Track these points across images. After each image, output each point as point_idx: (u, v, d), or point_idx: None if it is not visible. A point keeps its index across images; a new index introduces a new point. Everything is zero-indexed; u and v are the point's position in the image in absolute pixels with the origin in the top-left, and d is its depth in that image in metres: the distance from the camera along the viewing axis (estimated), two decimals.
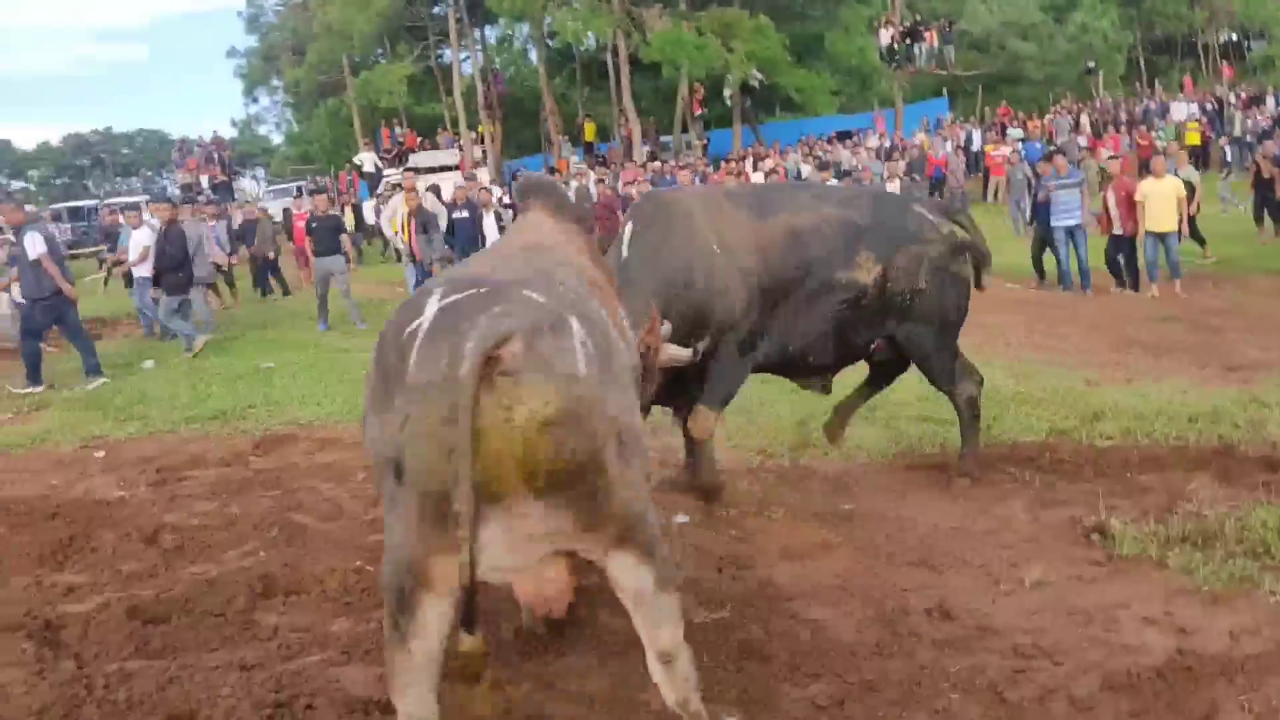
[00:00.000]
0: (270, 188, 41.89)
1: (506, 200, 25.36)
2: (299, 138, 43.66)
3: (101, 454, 8.12)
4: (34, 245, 10.97)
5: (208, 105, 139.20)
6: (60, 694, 3.92)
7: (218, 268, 17.07)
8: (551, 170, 27.42)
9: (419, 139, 34.83)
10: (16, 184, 75.07)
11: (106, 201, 36.42)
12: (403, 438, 2.56)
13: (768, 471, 6.76)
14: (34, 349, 11.13)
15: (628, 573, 2.81)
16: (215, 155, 37.41)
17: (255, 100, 45.46)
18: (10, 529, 6.16)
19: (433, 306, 2.67)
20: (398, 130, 34.94)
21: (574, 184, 19.52)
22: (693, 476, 5.96)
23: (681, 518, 5.72)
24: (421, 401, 2.53)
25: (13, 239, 11.89)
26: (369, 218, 25.70)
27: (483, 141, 32.27)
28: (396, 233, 15.82)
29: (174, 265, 12.85)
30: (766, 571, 4.95)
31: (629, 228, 5.48)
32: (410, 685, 2.68)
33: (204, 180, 35.85)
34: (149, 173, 79.88)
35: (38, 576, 5.35)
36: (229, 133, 46.43)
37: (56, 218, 29.91)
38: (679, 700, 2.91)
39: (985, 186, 25.67)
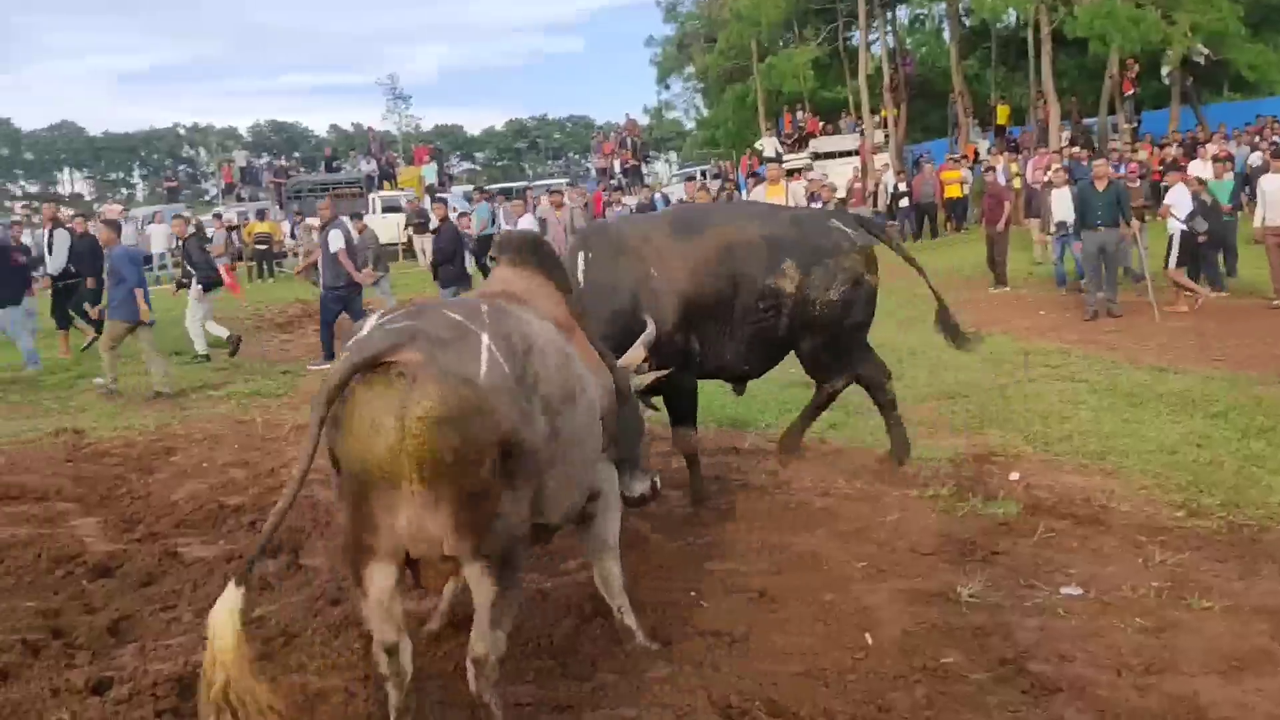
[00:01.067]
0: (677, 171, 43.30)
1: (903, 187, 24.30)
2: (707, 123, 44.62)
3: None
4: (335, 241, 12.46)
5: (630, 92, 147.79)
6: None
7: None
8: (957, 159, 25.75)
9: (820, 124, 34.30)
10: (465, 164, 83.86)
11: (533, 183, 39.34)
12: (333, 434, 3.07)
13: (1192, 535, 5.42)
14: (329, 334, 12.62)
15: (476, 585, 3.26)
16: (627, 140, 39.17)
17: (668, 87, 47.11)
18: None
19: (369, 323, 3.25)
20: (800, 115, 34.58)
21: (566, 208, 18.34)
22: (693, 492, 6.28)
23: (1072, 589, 4.71)
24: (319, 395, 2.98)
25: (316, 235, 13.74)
26: None
27: (885, 125, 31.07)
28: None
29: (445, 259, 14.27)
30: (1187, 685, 3.83)
31: (580, 257, 5.77)
32: (373, 622, 3.30)
33: (616, 165, 37.71)
34: (575, 155, 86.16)
35: None
36: (644, 119, 48.52)
37: (489, 198, 32.48)
38: (477, 693, 3.35)
39: None
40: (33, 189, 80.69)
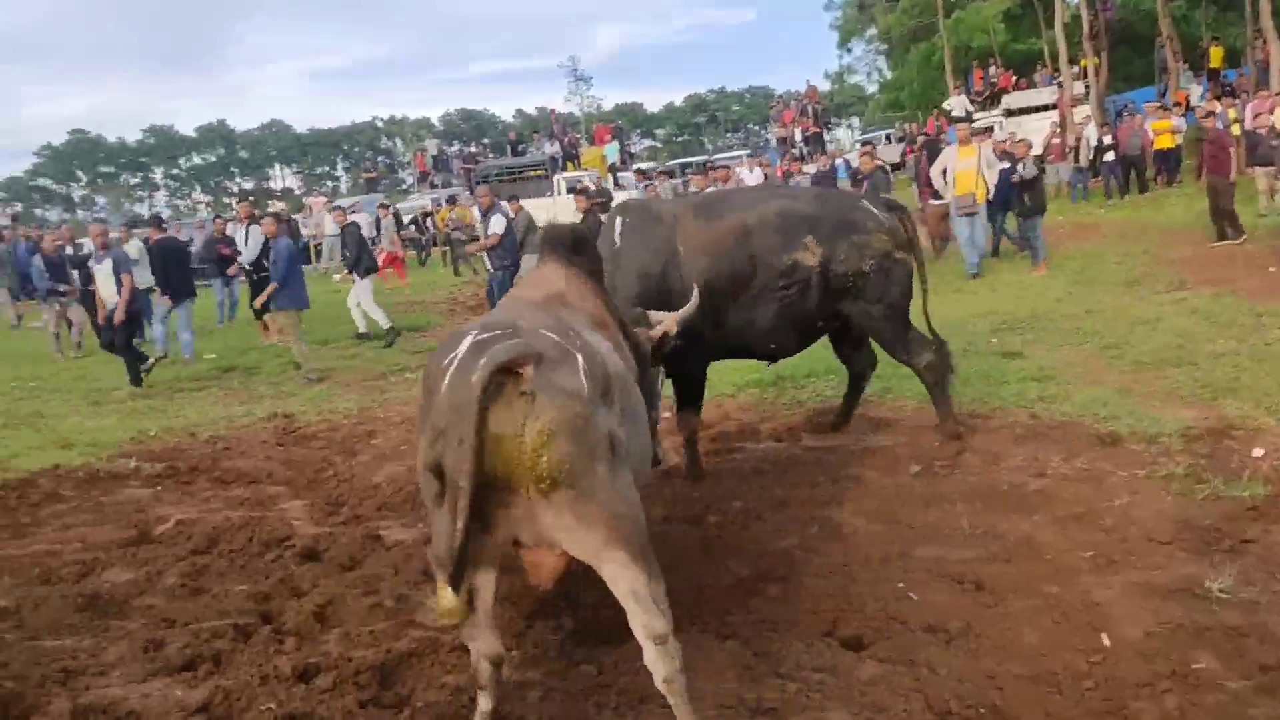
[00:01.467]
0: (860, 136, 42.09)
1: (1108, 140, 22.69)
2: (890, 85, 43.18)
3: (667, 414, 8.21)
4: (496, 225, 13.89)
5: (808, 59, 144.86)
6: None
7: None
8: (1164, 108, 23.85)
9: (1013, 78, 32.55)
10: (646, 141, 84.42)
11: (713, 157, 39.05)
12: (439, 448, 3.19)
13: None
14: None
15: (620, 573, 3.27)
16: (808, 108, 38.32)
17: (849, 50, 45.84)
18: None
19: (466, 342, 3.30)
20: (991, 70, 32.91)
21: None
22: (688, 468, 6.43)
23: None
24: (451, 418, 3.12)
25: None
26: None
27: (1084, 76, 29.15)
28: (947, 185, 14.62)
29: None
30: None
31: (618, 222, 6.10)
32: (475, 634, 3.49)
33: (797, 133, 36.97)
34: (754, 127, 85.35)
35: None
36: (824, 85, 47.43)
37: (669, 174, 32.51)
38: (667, 677, 3.30)
39: None
40: (247, 185, 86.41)
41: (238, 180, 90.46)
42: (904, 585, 4.47)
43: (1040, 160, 19.90)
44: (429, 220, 27.66)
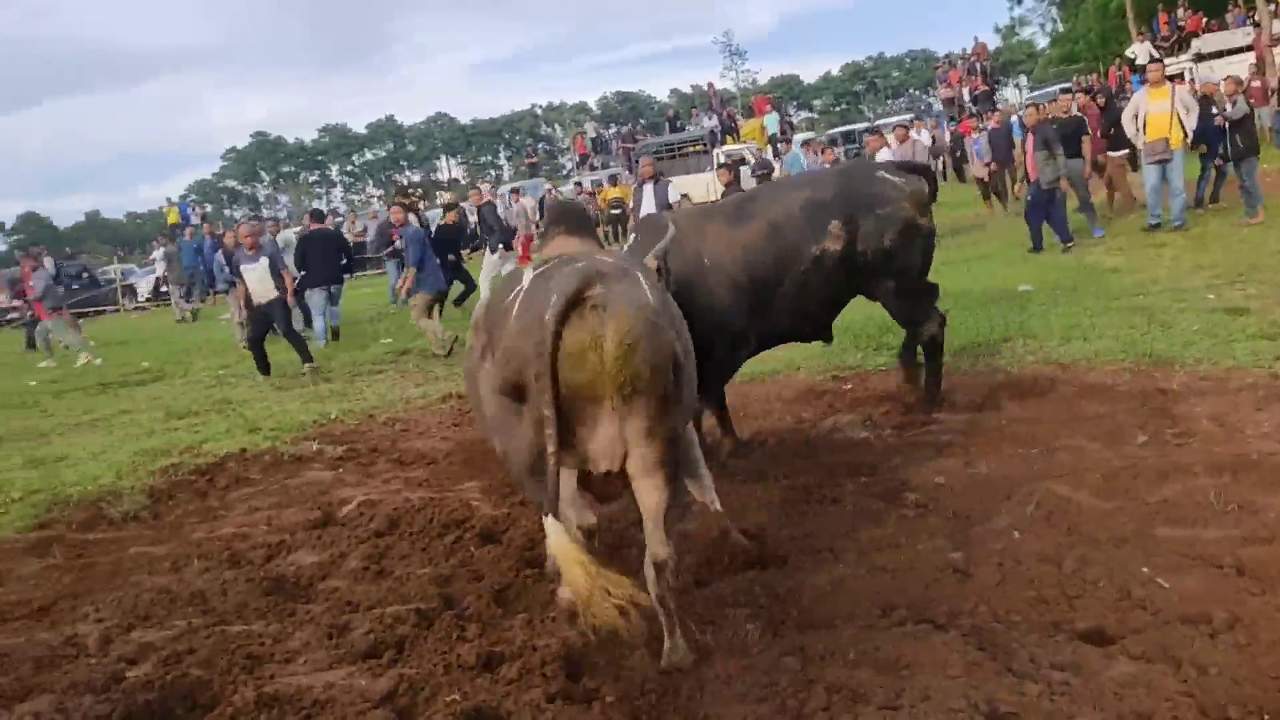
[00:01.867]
0: (1031, 94, 40.00)
1: None
2: (1064, 38, 40.81)
3: (849, 386, 7.75)
4: (665, 196, 13.48)
5: (969, 21, 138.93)
6: None
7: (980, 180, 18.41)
8: None
9: (1203, 20, 30.15)
10: (803, 113, 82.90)
11: (877, 123, 37.78)
12: (514, 365, 3.38)
13: None
14: None
15: (650, 494, 3.49)
16: (977, 65, 36.57)
17: (1019, 3, 43.50)
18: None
19: (529, 275, 3.58)
20: (1178, 13, 30.59)
21: None
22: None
23: None
24: (527, 338, 3.31)
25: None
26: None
27: None
28: (1138, 131, 13.44)
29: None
30: None
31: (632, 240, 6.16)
32: (570, 513, 3.56)
33: (965, 93, 35.36)
34: (915, 92, 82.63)
35: None
36: (993, 41, 45.26)
37: (833, 143, 31.63)
38: (659, 595, 3.57)
39: None
40: (415, 177, 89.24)
41: (406, 173, 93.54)
42: (1149, 570, 3.91)
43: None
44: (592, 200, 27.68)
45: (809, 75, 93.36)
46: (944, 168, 25.57)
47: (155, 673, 4.12)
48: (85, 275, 33.59)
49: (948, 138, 26.73)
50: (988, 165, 18.67)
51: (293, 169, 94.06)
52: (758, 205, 6.18)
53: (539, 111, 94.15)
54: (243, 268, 12.15)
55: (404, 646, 4.15)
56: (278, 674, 4.04)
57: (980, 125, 21.60)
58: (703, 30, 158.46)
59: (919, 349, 6.77)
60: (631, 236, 6.30)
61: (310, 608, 4.78)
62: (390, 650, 4.12)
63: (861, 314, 10.41)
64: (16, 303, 19.69)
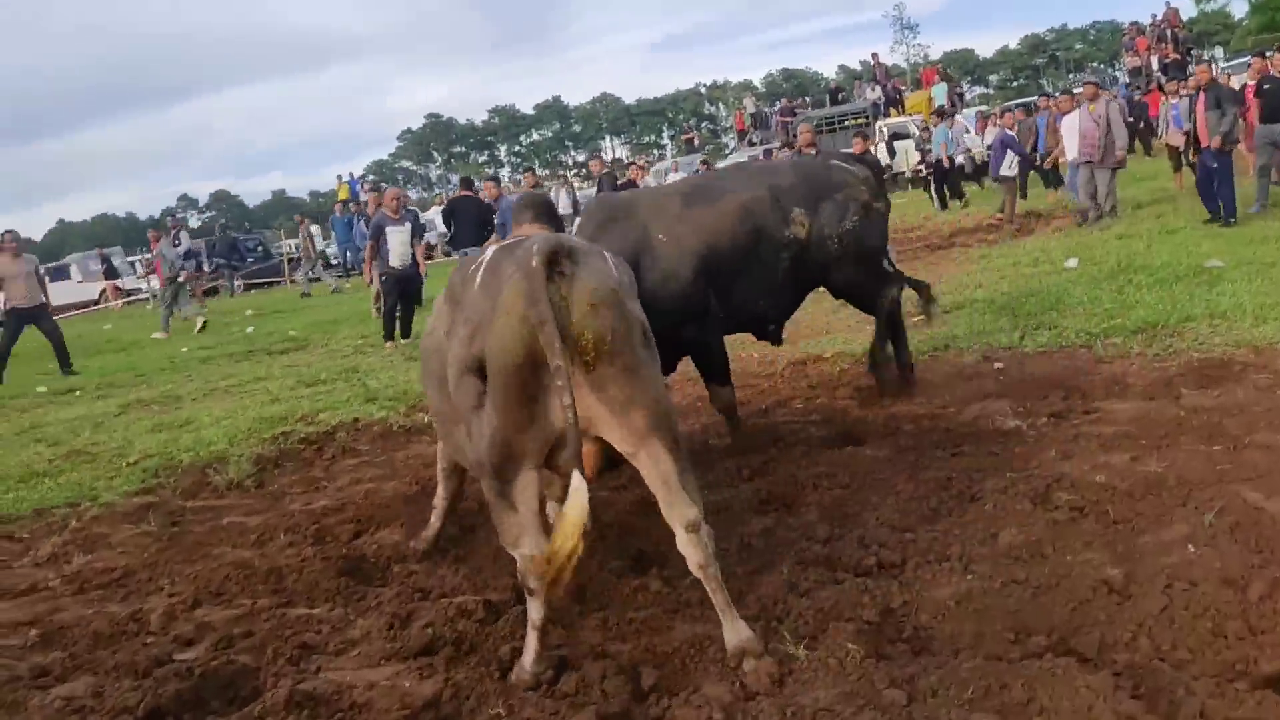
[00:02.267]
0: (1226, 64, 36.97)
1: None
2: (1263, 6, 37.48)
3: (1000, 366, 6.93)
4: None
5: None
6: None
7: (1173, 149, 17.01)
8: None
9: None
10: (977, 89, 79.57)
11: (1058, 93, 35.58)
12: (480, 340, 3.22)
13: None
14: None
15: (656, 461, 3.30)
16: (1167, 32, 33.94)
17: None
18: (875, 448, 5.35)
19: (489, 251, 3.56)
20: None
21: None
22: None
23: None
24: (496, 301, 3.18)
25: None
26: None
27: None
28: None
29: None
30: None
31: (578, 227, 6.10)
32: (523, 535, 3.33)
33: (1154, 61, 32.88)
34: (1099, 65, 78.10)
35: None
36: (1187, 12, 42.06)
37: (1007, 110, 29.90)
38: (701, 563, 3.31)
39: None
40: (580, 158, 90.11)
41: (571, 153, 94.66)
42: None
43: None
44: None
45: (984, 49, 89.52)
46: (1132, 139, 23.71)
47: (203, 657, 3.86)
48: (260, 249, 35.15)
49: (1127, 108, 24.74)
50: (1185, 133, 17.07)
51: (463, 149, 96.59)
52: (718, 188, 6.14)
53: (703, 90, 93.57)
54: (388, 229, 12.26)
55: (463, 644, 3.73)
56: (325, 667, 3.70)
57: (1180, 90, 19.85)
58: (874, 5, 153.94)
59: (888, 343, 6.67)
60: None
61: (380, 592, 4.43)
62: (448, 648, 3.72)
63: (1020, 287, 9.50)
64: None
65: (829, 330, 9.04)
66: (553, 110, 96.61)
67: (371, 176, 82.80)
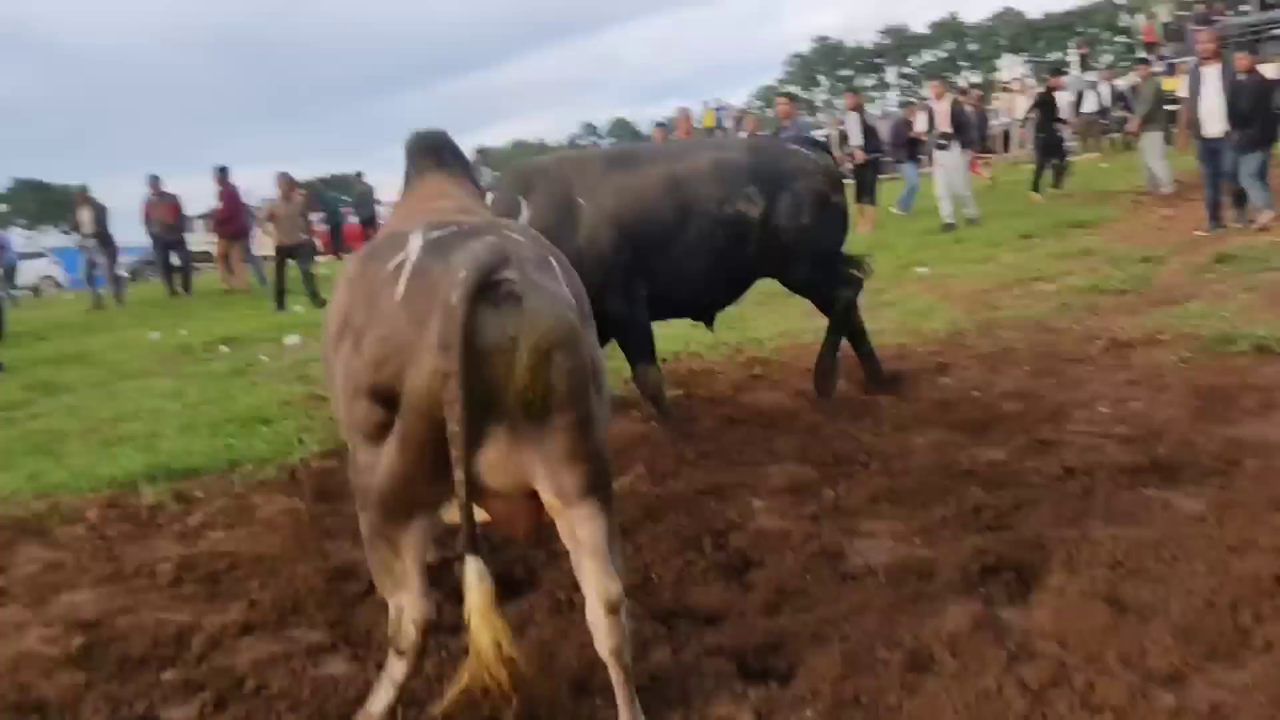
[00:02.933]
0: None
1: None
2: None
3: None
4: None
5: None
6: None
7: None
8: None
9: None
10: None
11: None
12: (393, 369, 2.63)
13: None
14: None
15: (587, 523, 2.81)
16: None
17: None
18: None
19: (416, 241, 2.78)
20: None
21: None
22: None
23: None
24: (423, 329, 2.57)
25: None
26: None
27: None
28: None
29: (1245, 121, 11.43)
30: None
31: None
32: (404, 588, 2.86)
33: None
34: None
35: None
36: None
37: None
38: (614, 648, 2.86)
39: None
40: (974, 79, 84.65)
41: (965, 74, 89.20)
42: None
43: None
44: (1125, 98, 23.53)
45: None
46: None
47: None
48: None
49: None
50: None
51: (850, 73, 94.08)
52: (650, 154, 6.07)
53: (1120, 1, 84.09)
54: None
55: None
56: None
57: None
58: None
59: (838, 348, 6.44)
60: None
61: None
62: None
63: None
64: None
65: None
66: (947, 28, 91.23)
67: (758, 102, 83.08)
